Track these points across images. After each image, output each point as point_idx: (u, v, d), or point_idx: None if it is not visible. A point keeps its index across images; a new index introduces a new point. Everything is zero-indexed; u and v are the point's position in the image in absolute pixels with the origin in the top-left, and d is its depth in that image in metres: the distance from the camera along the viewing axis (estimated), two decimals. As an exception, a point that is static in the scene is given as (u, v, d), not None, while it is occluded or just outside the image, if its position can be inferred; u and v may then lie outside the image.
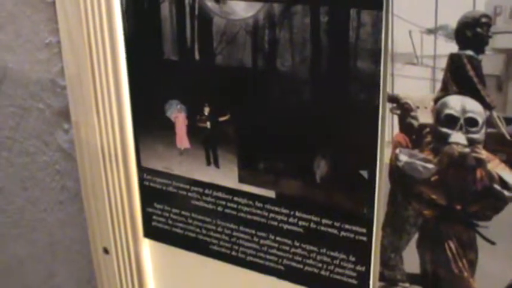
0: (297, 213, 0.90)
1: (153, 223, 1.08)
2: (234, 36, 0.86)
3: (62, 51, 1.05)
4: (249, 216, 0.95)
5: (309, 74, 0.82)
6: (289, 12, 0.81)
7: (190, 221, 1.03)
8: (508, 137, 0.72)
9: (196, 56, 0.91)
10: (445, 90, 0.74)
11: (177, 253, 1.08)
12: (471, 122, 0.74)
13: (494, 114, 0.72)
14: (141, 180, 1.06)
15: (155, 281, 1.15)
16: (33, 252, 1.40)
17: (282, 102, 0.86)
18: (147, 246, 1.12)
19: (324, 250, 0.90)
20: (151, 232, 1.09)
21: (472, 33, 0.70)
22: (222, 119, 0.92)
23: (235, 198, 0.96)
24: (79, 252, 1.30)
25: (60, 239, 1.34)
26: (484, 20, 0.69)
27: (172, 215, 1.05)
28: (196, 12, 0.89)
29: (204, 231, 1.02)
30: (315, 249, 0.91)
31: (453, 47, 0.72)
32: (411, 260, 0.84)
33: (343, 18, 0.77)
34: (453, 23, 0.70)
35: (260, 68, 0.86)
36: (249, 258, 0.98)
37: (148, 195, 1.06)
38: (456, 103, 0.74)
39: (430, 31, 0.72)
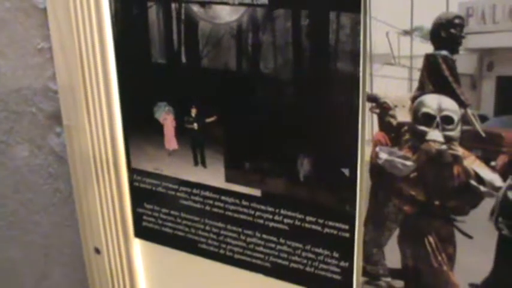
0: (282, 211, 0.92)
1: (143, 223, 1.09)
2: (219, 40, 0.88)
3: (54, 56, 1.06)
4: (235, 215, 0.97)
5: (291, 76, 0.84)
6: (272, 16, 0.82)
7: (179, 220, 1.04)
8: (483, 134, 0.74)
9: (183, 59, 0.93)
10: (422, 90, 0.76)
11: (167, 252, 1.09)
12: (447, 120, 0.75)
13: (469, 112, 0.73)
14: (131, 181, 1.07)
15: (146, 280, 1.16)
16: (27, 254, 1.40)
17: (265, 103, 0.87)
18: (137, 245, 1.13)
19: (309, 247, 0.91)
20: (142, 232, 1.10)
21: (446, 34, 0.72)
22: (208, 120, 0.94)
23: (223, 198, 0.97)
24: (72, 254, 1.31)
25: (53, 241, 1.34)
26: (457, 21, 0.71)
27: (162, 215, 1.06)
28: (183, 16, 0.90)
29: (192, 230, 1.03)
30: (300, 246, 0.92)
31: (428, 48, 0.73)
32: (393, 255, 0.85)
33: (323, 22, 0.79)
34: (428, 24, 0.72)
35: (244, 70, 0.87)
36: (237, 256, 0.99)
37: (139, 195, 1.08)
38: (432, 102, 0.75)
39: (406, 32, 0.74)
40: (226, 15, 0.86)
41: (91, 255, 1.18)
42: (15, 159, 1.29)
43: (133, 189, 1.08)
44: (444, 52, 0.73)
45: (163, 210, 1.05)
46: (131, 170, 1.06)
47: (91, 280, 1.21)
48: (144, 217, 1.09)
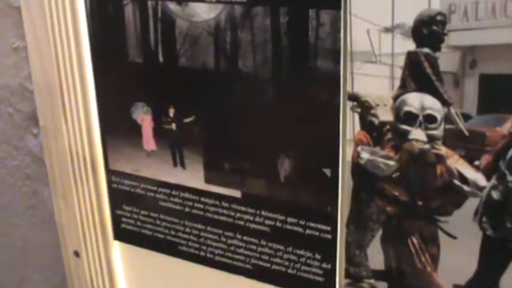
0: (263, 213, 0.91)
1: (123, 225, 1.08)
2: (197, 38, 0.87)
3: (29, 56, 1.05)
4: (216, 217, 0.96)
5: (270, 74, 0.83)
6: (250, 14, 0.81)
7: (158, 222, 1.03)
8: (466, 133, 0.73)
9: (160, 58, 0.92)
10: (404, 88, 0.75)
11: (147, 254, 1.08)
12: (430, 119, 0.74)
13: (452, 110, 0.73)
14: (109, 183, 1.06)
15: (126, 283, 1.15)
16: (5, 257, 1.39)
17: (244, 102, 0.86)
18: (117, 248, 1.12)
19: (290, 248, 0.90)
20: (121, 234, 1.09)
21: (428, 31, 0.71)
22: (187, 120, 0.93)
23: (202, 199, 0.96)
24: (51, 257, 1.29)
25: (33, 244, 1.33)
26: (439, 18, 0.70)
27: (141, 217, 1.05)
28: (159, 14, 0.89)
29: (172, 232, 1.02)
30: (282, 247, 0.91)
31: (410, 45, 0.72)
32: (376, 256, 0.84)
33: (302, 19, 0.78)
34: (410, 21, 0.71)
35: (223, 69, 0.87)
36: (217, 258, 0.99)
37: (117, 197, 1.06)
38: (415, 100, 0.75)
39: (387, 29, 0.73)
40: (204, 13, 0.85)
41: (70, 258, 1.16)
42: (-8, 161, 1.28)
43: (111, 191, 1.07)
44: (426, 50, 0.72)
45: (143, 212, 1.04)
46: (109, 172, 1.05)
47: (71, 283, 1.20)
48: (123, 219, 1.08)
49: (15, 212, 1.31)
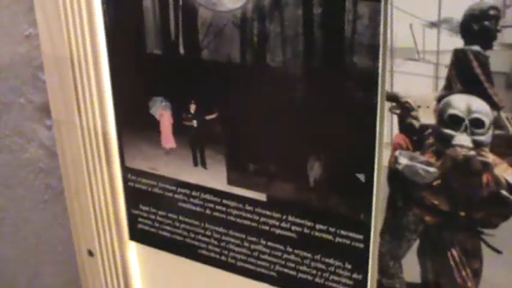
0: (290, 218, 0.88)
1: (139, 225, 1.06)
2: (221, 29, 0.84)
3: (41, 45, 1.02)
4: (238, 220, 0.93)
5: (301, 70, 0.79)
6: (280, 4, 0.78)
7: (177, 223, 1.01)
8: (517, 140, 0.70)
9: (181, 50, 0.89)
10: (449, 89, 0.71)
11: (164, 256, 1.06)
12: (477, 123, 0.71)
13: (503, 114, 0.69)
14: (125, 181, 1.04)
15: (142, 285, 1.13)
16: (18, 252, 1.39)
17: (272, 100, 0.84)
18: (133, 249, 1.10)
19: (319, 257, 0.88)
20: (137, 235, 1.07)
21: (479, 26, 0.67)
22: (209, 117, 0.90)
23: (224, 201, 0.93)
24: (65, 253, 1.29)
25: (46, 239, 1.33)
26: (492, 12, 0.66)
27: (159, 218, 1.02)
28: (181, 2, 0.86)
29: (192, 235, 1.00)
30: (309, 255, 0.89)
31: (458, 42, 0.68)
32: (411, 268, 0.81)
33: (338, 10, 0.74)
34: (458, 16, 0.67)
35: (249, 63, 0.83)
36: (240, 263, 0.96)
37: (133, 196, 1.04)
38: (461, 102, 0.71)
39: (433, 24, 0.69)
40: (229, 2, 0.82)
41: (84, 257, 1.15)
42: (4, 153, 1.28)
43: (127, 189, 1.04)
44: (476, 47, 0.68)
45: (160, 212, 1.02)
46: (125, 169, 1.03)
47: (84, 282, 1.18)
48: (140, 219, 1.05)
49: (28, 206, 1.31)
